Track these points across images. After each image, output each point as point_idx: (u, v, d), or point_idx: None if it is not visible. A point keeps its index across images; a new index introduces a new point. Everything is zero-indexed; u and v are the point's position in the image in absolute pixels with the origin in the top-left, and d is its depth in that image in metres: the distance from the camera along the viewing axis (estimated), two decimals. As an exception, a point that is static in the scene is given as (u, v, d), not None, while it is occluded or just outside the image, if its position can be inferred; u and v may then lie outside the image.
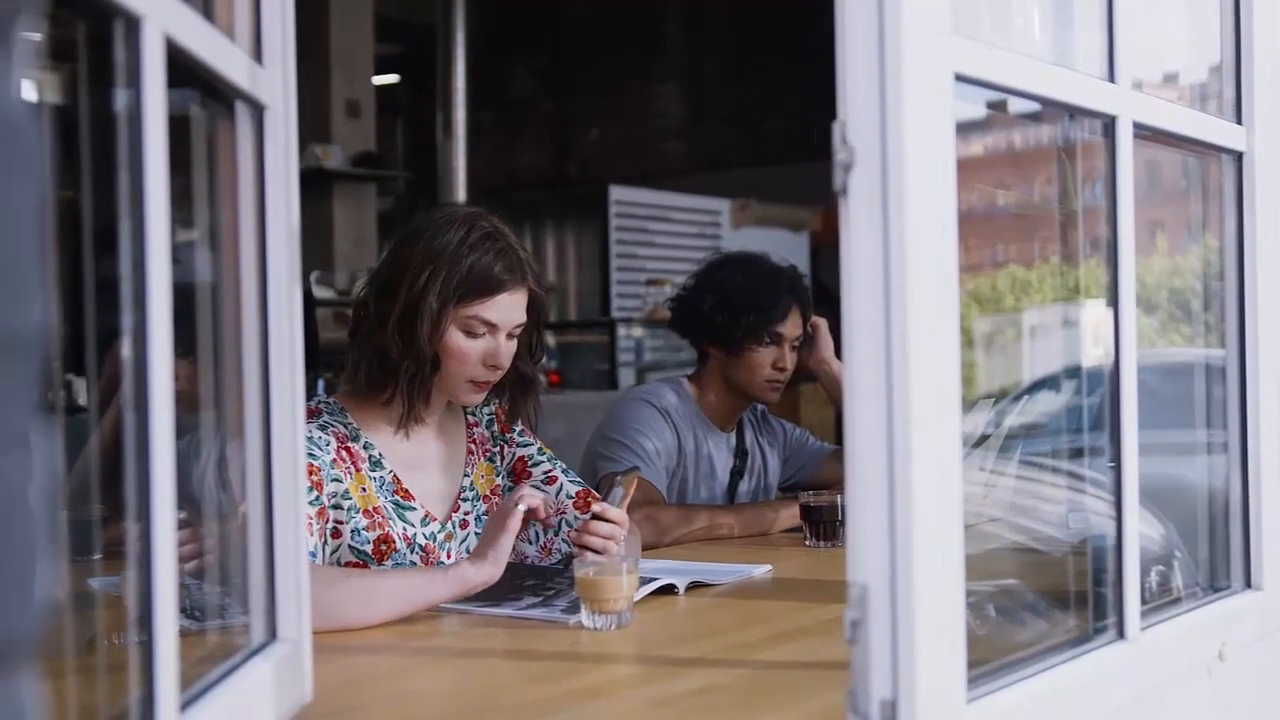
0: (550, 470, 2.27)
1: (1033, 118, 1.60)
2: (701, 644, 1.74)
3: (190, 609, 1.30)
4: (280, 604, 1.31)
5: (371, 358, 2.08)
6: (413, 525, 2.11)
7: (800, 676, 1.55)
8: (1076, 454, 1.79)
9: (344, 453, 2.07)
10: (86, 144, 1.00)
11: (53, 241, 0.59)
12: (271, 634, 1.30)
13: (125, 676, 1.03)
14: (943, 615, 1.13)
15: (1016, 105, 1.45)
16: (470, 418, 2.28)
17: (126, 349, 0.96)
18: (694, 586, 2.08)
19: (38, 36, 0.60)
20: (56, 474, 0.60)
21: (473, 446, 2.25)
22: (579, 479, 2.30)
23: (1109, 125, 1.44)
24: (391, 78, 9.44)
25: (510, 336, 2.11)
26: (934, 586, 1.11)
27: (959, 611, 1.15)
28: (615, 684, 1.57)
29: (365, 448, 2.11)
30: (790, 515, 2.73)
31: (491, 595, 1.98)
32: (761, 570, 2.26)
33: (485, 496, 2.24)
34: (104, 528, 1.73)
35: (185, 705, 1.03)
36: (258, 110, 1.28)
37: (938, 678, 1.12)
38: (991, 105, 1.37)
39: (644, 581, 1.96)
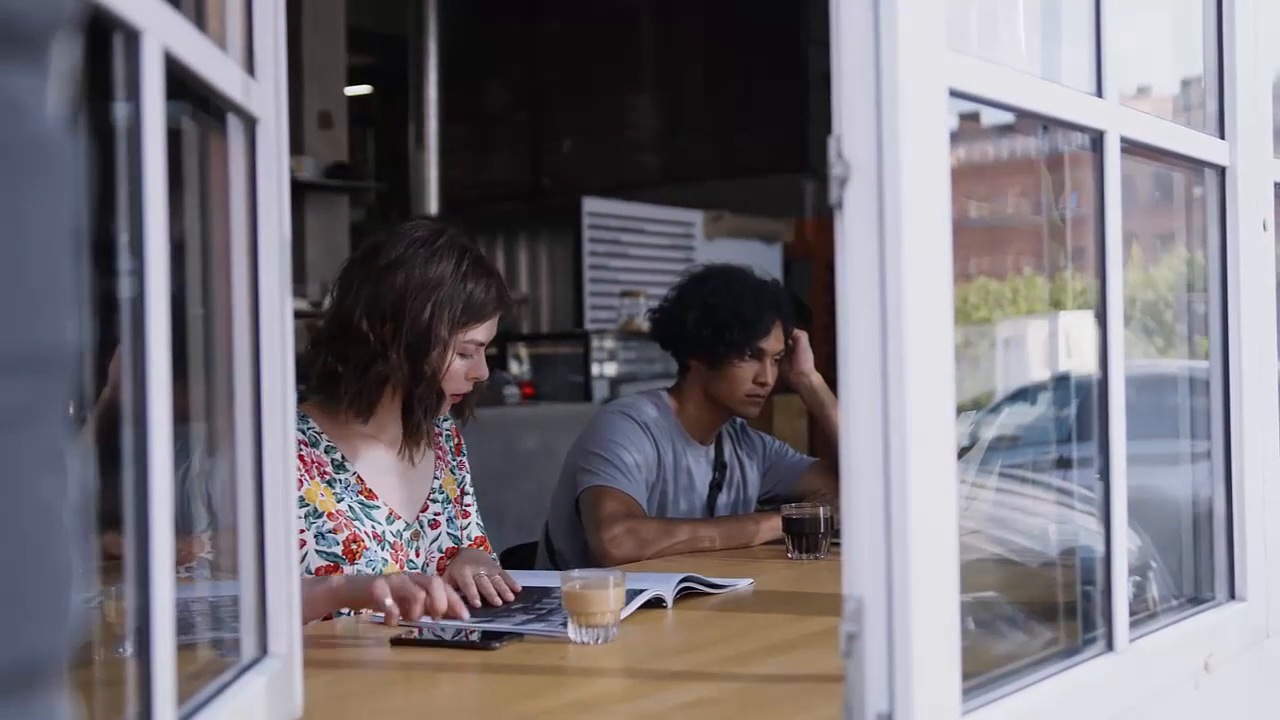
0: (469, 506, 2.38)
1: (1006, 129, 1.61)
2: (690, 657, 1.73)
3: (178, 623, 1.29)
4: (271, 619, 1.30)
5: (375, 384, 2.13)
6: (379, 523, 2.15)
7: (791, 689, 1.55)
8: (1056, 466, 1.79)
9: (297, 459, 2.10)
10: (82, 156, 0.99)
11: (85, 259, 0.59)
12: (263, 649, 1.29)
13: (114, 691, 1.02)
14: (939, 628, 1.13)
15: (990, 117, 1.45)
16: (433, 427, 2.34)
17: (123, 363, 0.95)
18: (682, 594, 2.08)
19: (72, 56, 0.60)
20: (87, 492, 0.60)
21: (440, 454, 2.33)
22: (483, 525, 2.40)
23: (1097, 140, 1.45)
24: (364, 89, 9.41)
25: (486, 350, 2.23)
26: (930, 600, 1.11)
27: (954, 624, 1.16)
28: (605, 698, 1.56)
29: (327, 451, 2.16)
30: (771, 528, 2.73)
31: (484, 615, 1.97)
32: (745, 584, 2.26)
33: (454, 500, 2.32)
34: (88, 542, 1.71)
35: (181, 722, 1.03)
36: (250, 123, 1.27)
37: (934, 690, 1.12)
38: (965, 116, 1.37)
39: (631, 596, 1.95)
